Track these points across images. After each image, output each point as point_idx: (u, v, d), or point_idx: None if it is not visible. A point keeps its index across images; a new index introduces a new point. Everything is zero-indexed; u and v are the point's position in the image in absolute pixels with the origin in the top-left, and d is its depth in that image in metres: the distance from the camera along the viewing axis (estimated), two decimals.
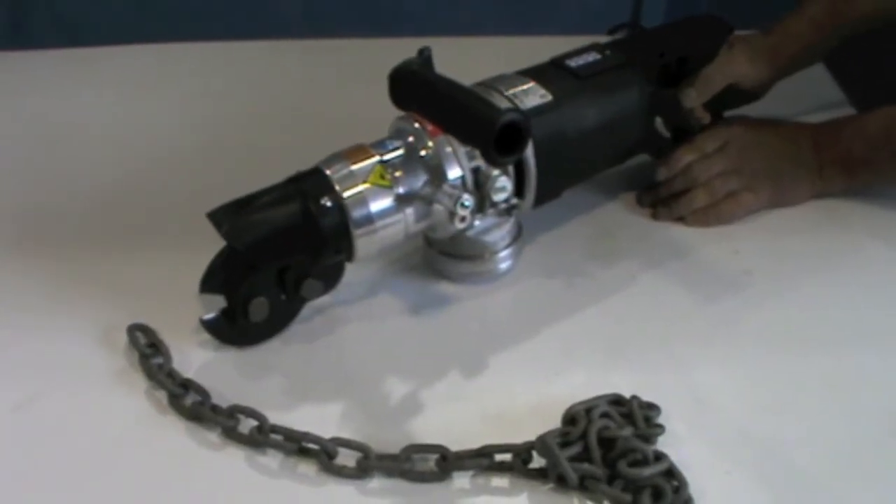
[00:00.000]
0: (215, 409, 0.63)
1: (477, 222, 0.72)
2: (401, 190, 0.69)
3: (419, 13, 1.91)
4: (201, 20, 1.80)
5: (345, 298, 0.74)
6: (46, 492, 0.60)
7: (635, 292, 0.77)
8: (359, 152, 0.69)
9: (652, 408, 0.63)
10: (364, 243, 0.68)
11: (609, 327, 0.73)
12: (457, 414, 0.65)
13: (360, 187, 0.67)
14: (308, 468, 0.61)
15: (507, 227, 0.75)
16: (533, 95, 0.75)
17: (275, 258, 0.68)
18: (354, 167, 0.68)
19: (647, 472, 0.58)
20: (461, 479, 0.60)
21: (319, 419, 0.63)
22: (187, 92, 1.05)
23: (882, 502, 0.61)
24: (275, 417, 0.63)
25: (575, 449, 0.59)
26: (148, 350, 0.68)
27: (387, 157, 0.69)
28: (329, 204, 0.67)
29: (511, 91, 0.75)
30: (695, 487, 0.58)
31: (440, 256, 0.76)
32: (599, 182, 0.86)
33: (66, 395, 0.66)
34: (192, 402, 0.64)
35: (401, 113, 0.70)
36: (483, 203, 0.71)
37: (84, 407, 0.65)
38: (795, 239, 0.83)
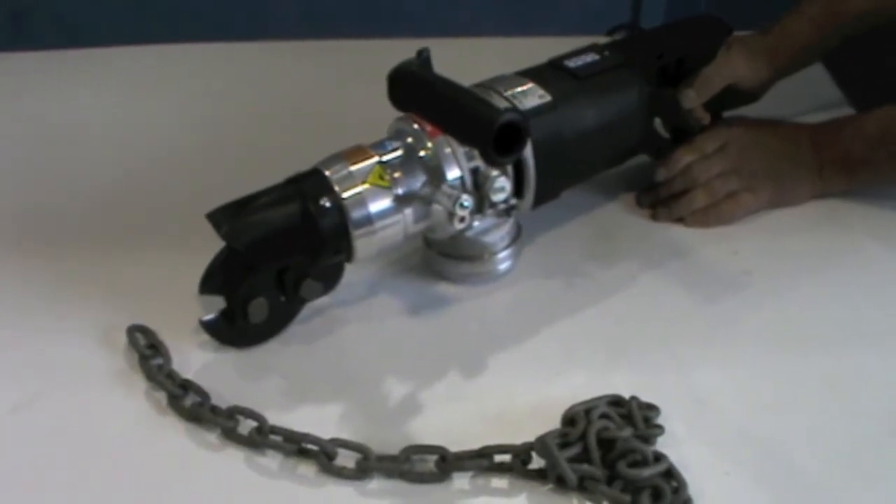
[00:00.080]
0: (215, 410, 0.63)
1: (476, 223, 0.72)
2: (400, 191, 0.69)
3: (418, 14, 1.91)
4: (201, 21, 1.80)
5: (344, 299, 0.74)
6: (46, 492, 0.60)
7: (635, 293, 0.77)
8: (358, 153, 0.69)
9: (651, 408, 0.63)
10: (363, 244, 0.68)
11: (608, 328, 0.73)
12: (456, 415, 0.65)
13: (360, 188, 0.67)
14: (307, 469, 0.61)
15: (507, 227, 0.75)
16: (532, 96, 0.75)
17: (274, 259, 0.68)
18: (353, 168, 0.68)
19: (647, 472, 0.58)
20: (460, 480, 0.60)
21: (319, 420, 0.63)
22: (187, 93, 1.06)
23: (882, 502, 0.61)
24: (274, 418, 0.63)
25: (574, 450, 0.59)
26: (147, 351, 0.68)
27: (386, 157, 0.69)
28: (328, 205, 0.67)
29: (510, 92, 0.75)
30: (694, 488, 0.58)
31: (439, 257, 0.76)
32: (599, 183, 0.86)
33: (66, 396, 0.66)
34: (191, 403, 0.64)
35: (400, 114, 0.70)
36: (482, 204, 0.71)
37: (83, 408, 0.65)
38: (795, 239, 0.83)
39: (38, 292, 0.75)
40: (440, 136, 0.69)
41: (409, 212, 0.69)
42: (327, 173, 0.68)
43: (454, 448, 0.61)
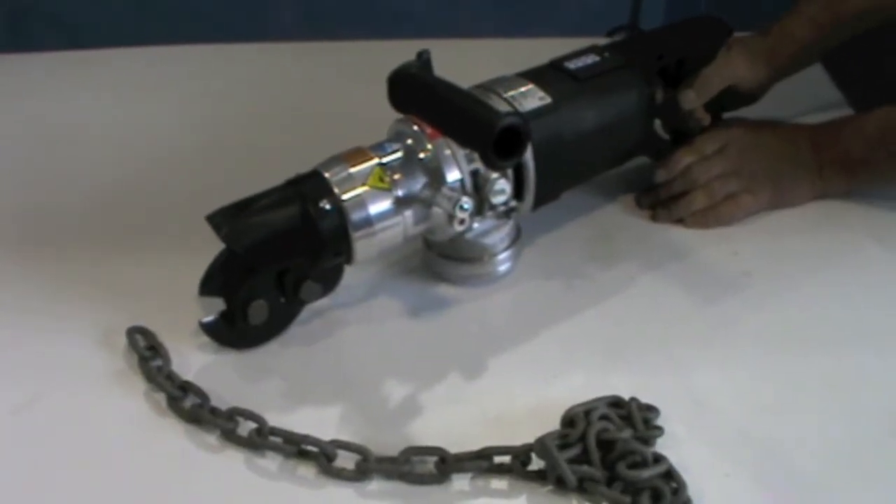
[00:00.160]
0: (214, 411, 0.63)
1: (476, 225, 0.72)
2: (400, 192, 0.69)
3: (418, 15, 1.91)
4: (201, 22, 1.80)
5: (344, 301, 0.74)
6: (46, 493, 0.60)
7: (634, 294, 0.77)
8: (358, 155, 0.69)
9: (651, 409, 0.63)
10: (363, 246, 0.68)
11: (608, 329, 0.73)
12: (456, 416, 0.65)
13: (359, 190, 0.67)
14: (307, 470, 0.61)
15: (506, 229, 0.75)
16: (532, 98, 0.75)
17: (274, 261, 0.68)
18: (353, 170, 0.68)
19: (646, 474, 0.58)
20: (460, 482, 0.60)
21: (318, 421, 0.63)
22: (186, 94, 1.06)
23: (882, 502, 0.61)
24: (274, 420, 0.63)
25: (574, 451, 0.59)
26: (147, 352, 0.68)
27: (386, 159, 0.69)
28: (328, 207, 0.67)
29: (510, 93, 0.75)
30: (694, 489, 0.58)
31: (439, 259, 0.76)
32: (598, 184, 0.86)
33: (66, 397, 0.66)
34: (191, 405, 0.64)
35: (400, 115, 0.70)
36: (482, 206, 0.71)
37: (83, 409, 0.65)
38: (794, 240, 0.83)
39: (38, 293, 0.75)
40: (440, 138, 0.69)
41: (408, 214, 0.69)
42: (327, 175, 0.68)
43: (454, 449, 0.61)
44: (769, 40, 0.87)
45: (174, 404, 0.65)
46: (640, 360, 0.70)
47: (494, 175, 0.70)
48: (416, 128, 0.70)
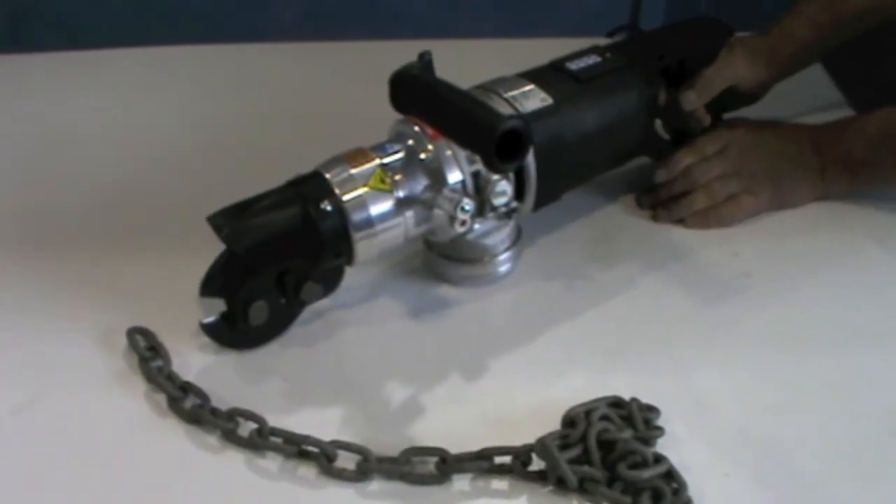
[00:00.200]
0: (215, 412, 0.63)
1: (476, 225, 0.72)
2: (401, 194, 0.69)
3: (418, 15, 1.91)
4: (201, 22, 1.80)
5: (344, 302, 0.74)
6: (46, 493, 0.60)
7: (635, 294, 0.77)
8: (359, 156, 0.69)
9: (651, 410, 0.64)
10: (364, 247, 0.68)
11: (608, 329, 0.73)
12: (456, 417, 0.65)
13: (360, 191, 0.67)
14: (307, 471, 0.61)
15: (507, 230, 0.75)
16: (533, 99, 0.75)
17: (274, 262, 0.68)
18: (354, 171, 0.68)
19: (647, 474, 0.58)
20: (461, 482, 0.60)
21: (319, 422, 0.63)
22: (186, 94, 1.06)
23: (882, 502, 0.61)
24: (274, 420, 0.63)
25: (574, 451, 0.59)
26: (147, 353, 0.68)
27: (387, 160, 0.69)
28: (329, 208, 0.66)
29: (511, 94, 0.75)
30: (694, 489, 0.58)
31: (440, 259, 0.76)
32: (599, 184, 0.86)
33: (66, 398, 0.66)
34: (191, 405, 0.64)
35: (401, 116, 0.70)
36: (483, 207, 0.71)
37: (83, 409, 0.65)
38: (795, 240, 0.83)
39: (38, 293, 0.75)
40: (441, 139, 0.69)
41: (410, 214, 0.69)
42: (328, 176, 0.68)
43: (454, 450, 0.61)
44: (769, 40, 0.87)
45: (175, 405, 0.65)
46: (641, 360, 0.70)
47: (496, 177, 0.70)
48: (417, 128, 0.70)
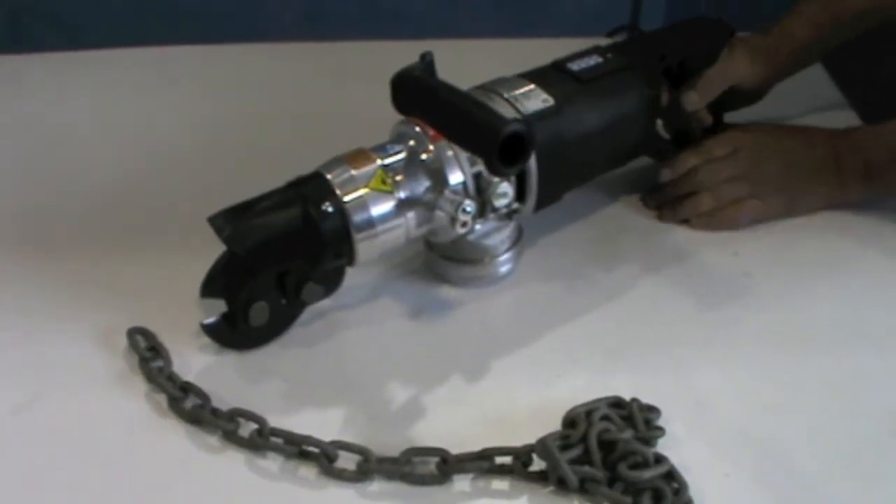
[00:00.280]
0: (215, 412, 0.63)
1: (478, 226, 0.72)
2: (402, 195, 0.68)
3: (418, 15, 1.91)
4: (201, 22, 1.80)
5: (345, 302, 0.74)
6: (46, 494, 0.60)
7: (635, 295, 0.77)
8: (360, 156, 0.69)
9: (652, 410, 0.64)
10: (365, 247, 0.68)
11: (609, 330, 0.73)
12: (457, 417, 0.65)
13: (361, 192, 0.67)
14: (308, 471, 0.61)
15: (508, 230, 0.75)
16: (534, 99, 0.75)
17: (275, 262, 0.68)
18: (355, 171, 0.68)
19: (648, 474, 0.58)
20: (461, 482, 0.61)
21: (319, 422, 0.63)
22: (186, 94, 1.05)
23: (882, 502, 0.61)
24: (275, 421, 0.63)
25: (575, 452, 0.59)
26: (148, 353, 0.68)
27: (388, 161, 0.69)
28: (330, 208, 0.66)
29: (512, 94, 0.75)
30: (695, 489, 0.58)
31: (441, 260, 0.76)
32: (600, 185, 0.86)
33: (66, 398, 0.66)
34: (192, 406, 0.64)
35: (402, 116, 0.70)
36: (484, 208, 0.71)
37: (83, 410, 0.65)
38: (795, 240, 0.83)
39: (38, 293, 0.75)
40: (443, 140, 0.69)
41: (411, 215, 0.69)
42: (329, 177, 0.68)
43: (455, 450, 0.61)
44: (769, 40, 0.87)
45: (175, 405, 0.65)
46: (642, 360, 0.70)
47: (497, 178, 0.70)
48: (418, 129, 0.70)
